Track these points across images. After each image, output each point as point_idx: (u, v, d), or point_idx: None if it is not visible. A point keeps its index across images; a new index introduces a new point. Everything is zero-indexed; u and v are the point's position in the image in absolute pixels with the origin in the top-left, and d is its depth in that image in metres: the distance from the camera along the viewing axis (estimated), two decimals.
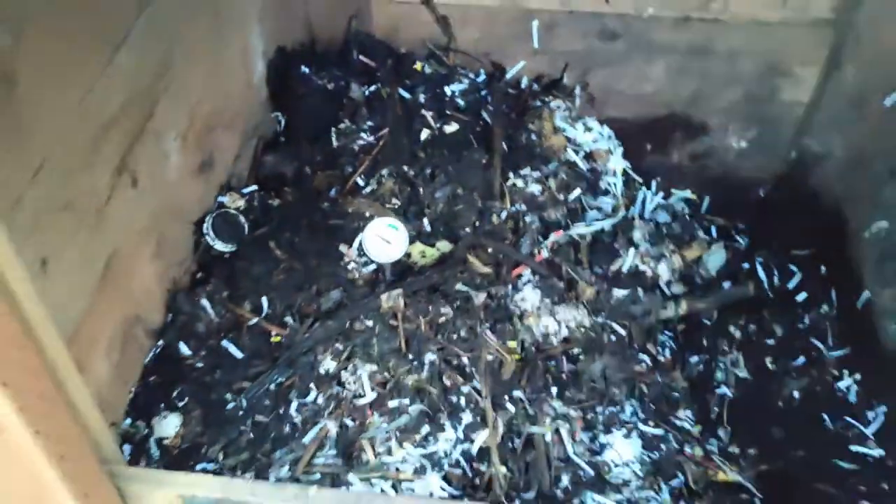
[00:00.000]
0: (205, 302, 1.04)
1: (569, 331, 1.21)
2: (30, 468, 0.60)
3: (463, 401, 1.04)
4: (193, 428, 0.95)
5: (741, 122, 1.60)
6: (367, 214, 1.16)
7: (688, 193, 1.70)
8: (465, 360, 1.07)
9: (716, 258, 1.61)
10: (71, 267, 0.80)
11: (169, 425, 0.94)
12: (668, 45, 1.49)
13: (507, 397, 1.08)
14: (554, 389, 1.14)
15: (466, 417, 1.03)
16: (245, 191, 1.18)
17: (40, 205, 0.73)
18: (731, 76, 1.53)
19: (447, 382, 1.04)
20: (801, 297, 1.61)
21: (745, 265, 1.64)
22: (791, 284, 1.63)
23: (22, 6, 0.68)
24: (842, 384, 1.47)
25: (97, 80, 0.82)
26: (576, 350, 1.20)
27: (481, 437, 1.02)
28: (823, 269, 1.63)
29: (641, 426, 1.18)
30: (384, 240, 1.03)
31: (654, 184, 1.64)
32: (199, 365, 1.00)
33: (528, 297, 1.21)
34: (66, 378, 0.65)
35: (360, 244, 1.07)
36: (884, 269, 1.42)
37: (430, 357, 1.04)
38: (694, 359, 1.48)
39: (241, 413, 0.97)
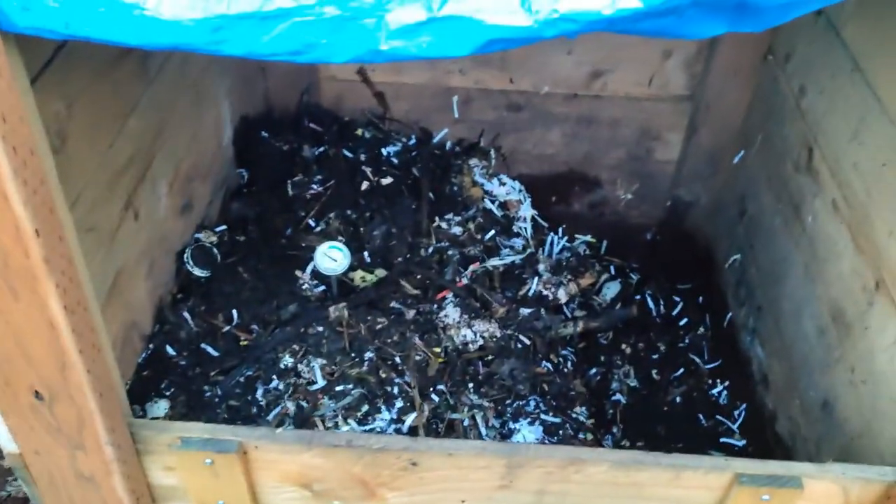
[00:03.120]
0: (186, 314, 1.29)
1: (483, 340, 1.48)
2: (82, 404, 0.85)
3: (396, 390, 1.31)
4: (179, 410, 1.19)
5: (626, 177, 1.94)
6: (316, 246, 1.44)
7: (588, 238, 2.02)
8: (397, 359, 1.34)
9: (612, 290, 1.94)
10: (93, 276, 1.05)
11: (159, 409, 1.19)
12: (563, 115, 1.83)
13: (432, 389, 1.34)
14: (471, 385, 1.40)
15: (399, 403, 1.29)
16: (217, 229, 1.45)
17: (76, 226, 0.99)
18: (614, 140, 1.87)
19: (383, 375, 1.30)
20: (683, 321, 1.93)
21: (637, 297, 1.97)
22: (674, 312, 1.96)
23: (74, 86, 0.96)
24: (715, 391, 1.78)
25: (116, 138, 1.09)
26: (490, 357, 1.48)
27: (411, 419, 1.28)
28: (701, 298, 1.97)
29: (543, 416, 1.45)
30: (331, 258, 1.32)
31: (560, 230, 1.95)
32: (183, 363, 1.25)
33: (450, 313, 1.49)
34: (107, 356, 0.90)
35: (314, 266, 1.35)
36: (739, 293, 1.75)
37: (368, 355, 1.30)
38: (592, 371, 1.78)
39: (217, 399, 1.22)
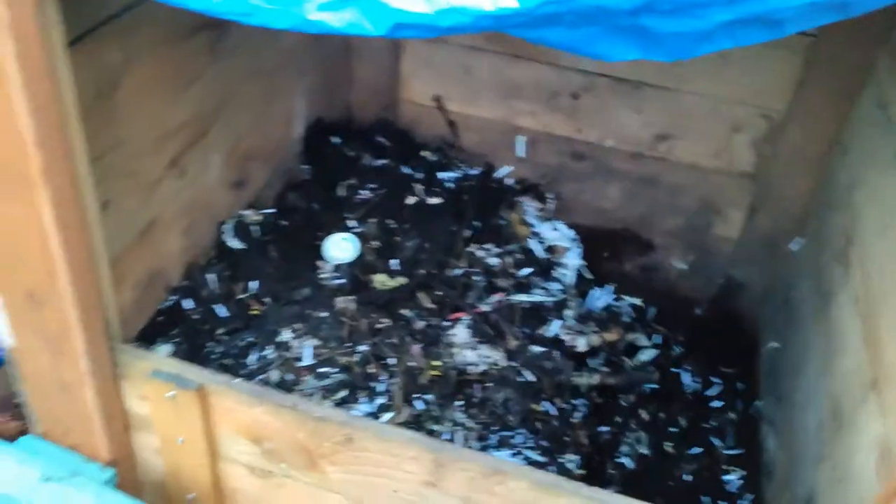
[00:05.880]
0: (211, 276, 1.41)
1: (486, 366, 1.51)
2: (65, 312, 0.96)
3: (382, 388, 1.36)
4: (178, 357, 1.30)
5: (682, 246, 1.92)
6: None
7: (637, 301, 2.00)
8: (391, 360, 1.40)
9: (647, 355, 1.91)
10: (121, 216, 1.18)
11: (162, 351, 1.30)
12: (624, 172, 1.85)
13: (419, 397, 1.39)
14: (461, 404, 1.44)
15: (380, 400, 1.35)
16: (264, 211, 1.57)
17: (114, 167, 1.12)
18: (674, 206, 1.86)
19: (371, 370, 1.36)
20: (718, 403, 1.87)
21: (674, 370, 1.93)
22: (707, 391, 1.90)
23: (135, 44, 1.10)
24: (728, 477, 1.72)
25: (173, 100, 1.23)
26: (489, 383, 1.50)
27: (387, 417, 1.33)
28: (739, 385, 1.90)
29: (527, 452, 1.45)
30: (340, 248, 1.40)
31: (606, 286, 1.95)
32: (195, 317, 1.36)
33: (460, 334, 1.53)
34: (100, 277, 1.02)
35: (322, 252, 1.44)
36: (769, 382, 1.69)
37: (363, 348, 1.37)
38: (604, 428, 1.75)
39: (213, 356, 1.32)
